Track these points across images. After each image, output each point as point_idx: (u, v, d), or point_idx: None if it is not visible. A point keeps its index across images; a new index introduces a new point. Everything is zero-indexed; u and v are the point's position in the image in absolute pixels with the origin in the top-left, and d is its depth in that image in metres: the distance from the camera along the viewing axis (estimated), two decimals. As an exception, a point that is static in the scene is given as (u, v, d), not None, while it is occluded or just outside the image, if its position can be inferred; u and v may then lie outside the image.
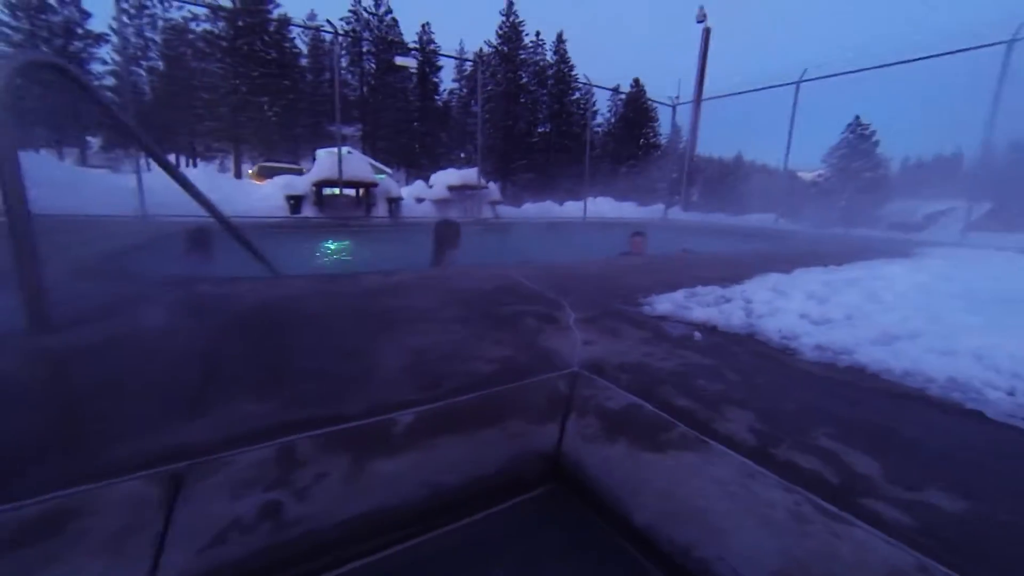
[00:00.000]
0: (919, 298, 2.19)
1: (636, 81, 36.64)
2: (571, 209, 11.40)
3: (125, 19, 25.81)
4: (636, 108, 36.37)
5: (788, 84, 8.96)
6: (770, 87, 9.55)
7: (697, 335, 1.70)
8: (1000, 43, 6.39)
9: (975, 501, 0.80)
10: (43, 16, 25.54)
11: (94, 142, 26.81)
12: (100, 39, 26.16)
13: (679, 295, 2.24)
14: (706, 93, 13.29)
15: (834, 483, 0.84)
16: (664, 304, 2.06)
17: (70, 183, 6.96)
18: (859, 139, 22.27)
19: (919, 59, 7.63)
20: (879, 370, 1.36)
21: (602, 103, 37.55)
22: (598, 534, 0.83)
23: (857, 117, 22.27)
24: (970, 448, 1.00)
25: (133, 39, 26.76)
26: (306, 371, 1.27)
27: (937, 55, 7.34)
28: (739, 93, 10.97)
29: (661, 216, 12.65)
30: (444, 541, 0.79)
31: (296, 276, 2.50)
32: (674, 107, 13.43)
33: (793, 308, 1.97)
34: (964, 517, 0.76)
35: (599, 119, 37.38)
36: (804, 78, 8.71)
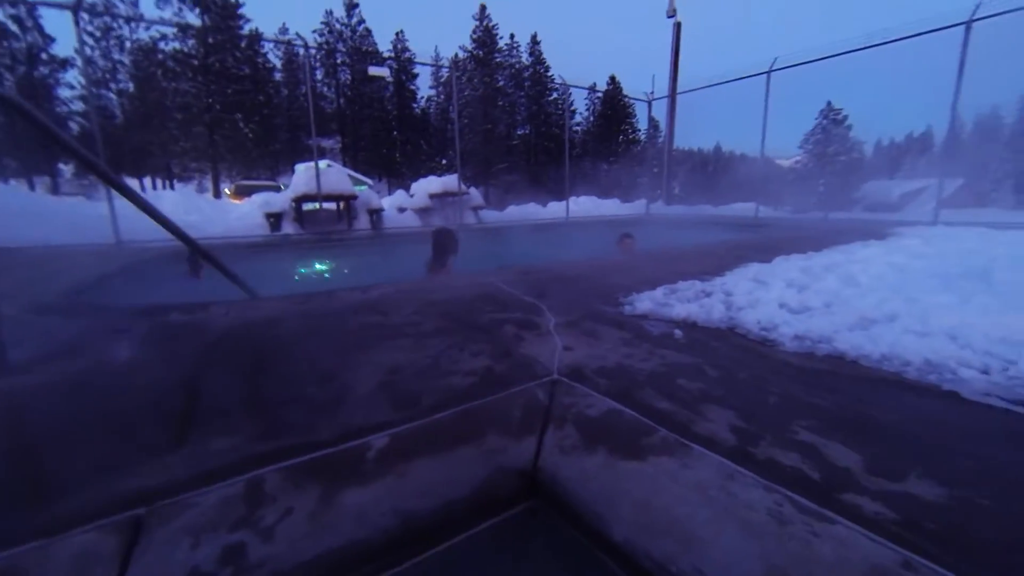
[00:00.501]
0: (895, 279, 2.22)
1: (612, 79, 36.97)
2: (554, 210, 11.41)
3: (91, 42, 25.36)
4: (613, 105, 36.68)
5: (759, 74, 9.08)
6: (742, 78, 9.67)
7: (677, 333, 1.69)
8: (959, 24, 6.55)
9: (954, 487, 0.80)
10: (5, 43, 24.96)
11: (66, 170, 26.21)
12: (65, 64, 25.62)
13: (659, 292, 2.23)
14: (681, 87, 13.43)
15: (814, 479, 0.83)
16: (644, 303, 2.05)
17: (40, 213, 6.78)
18: (832, 124, 22.69)
19: (885, 43, 7.78)
20: (857, 356, 1.36)
21: (580, 102, 37.79)
22: (578, 551, 0.81)
23: (829, 103, 22.70)
24: (947, 432, 1.00)
25: (100, 62, 26.27)
26: (277, 399, 1.23)
27: (902, 38, 7.49)
28: (712, 85, 11.08)
29: (644, 211, 12.73)
30: (418, 571, 0.76)
31: (272, 297, 2.45)
32: (650, 102, 13.53)
33: (772, 298, 1.97)
34: (945, 505, 0.75)
35: (578, 118, 37.60)
36: (774, 67, 8.84)
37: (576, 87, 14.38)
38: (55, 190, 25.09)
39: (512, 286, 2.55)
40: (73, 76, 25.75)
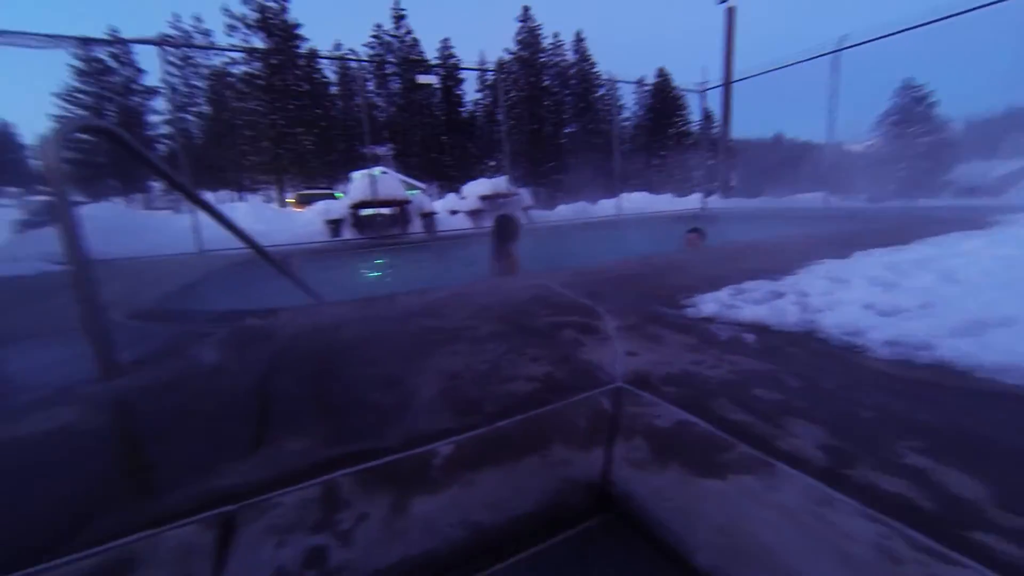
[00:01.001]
0: (1007, 276, 1.95)
1: (661, 71, 35.79)
2: (605, 207, 11.20)
3: (173, 71, 28.00)
4: (663, 98, 35.49)
5: (824, 55, 8.41)
6: (804, 60, 8.99)
7: (748, 337, 1.58)
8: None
9: (1111, 527, 0.67)
10: (105, 78, 28.14)
11: (156, 187, 29.09)
12: (153, 92, 28.48)
13: (724, 293, 2.11)
14: (737, 74, 12.74)
15: (929, 510, 0.73)
16: (709, 304, 1.94)
17: (137, 228, 7.56)
18: (913, 102, 20.58)
19: (971, 10, 6.95)
20: (968, 366, 1.21)
21: (628, 97, 36.90)
22: (655, 571, 0.77)
23: (907, 80, 20.61)
24: (1094, 457, 0.86)
25: (181, 88, 28.93)
26: (343, 403, 1.27)
27: (988, 3, 6.66)
28: (772, 70, 10.40)
29: (699, 206, 12.19)
30: (489, 585, 0.75)
31: (335, 302, 2.56)
32: (702, 93, 12.94)
33: (855, 298, 1.80)
34: (1099, 548, 0.64)
35: (626, 113, 36.73)
36: (842, 46, 8.15)
37: (623, 82, 14.03)
38: (148, 205, 27.91)
39: (567, 288, 2.51)
40: (159, 103, 28.56)
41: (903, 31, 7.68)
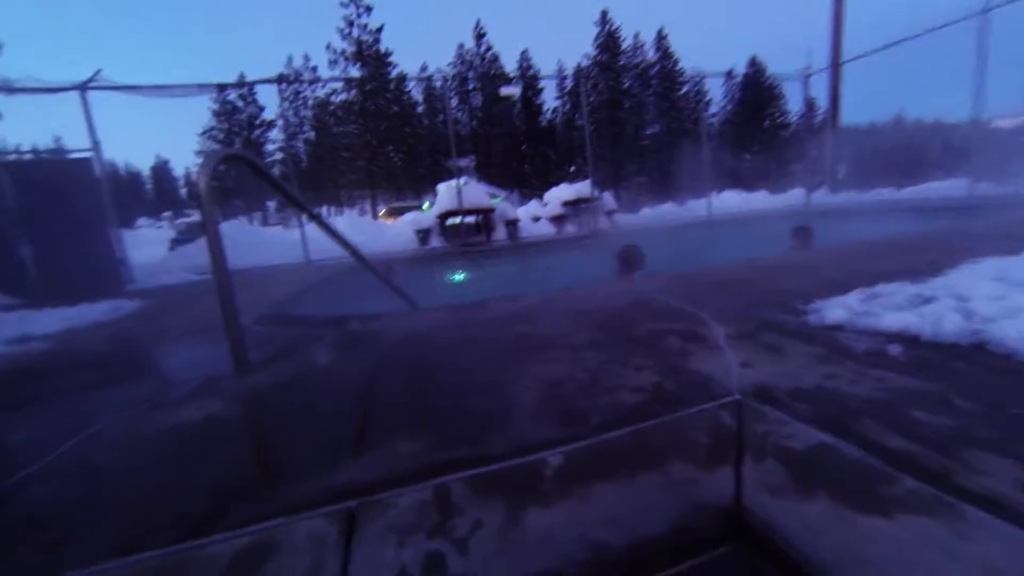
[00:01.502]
0: None
1: (753, 59, 33.25)
2: (694, 208, 10.58)
3: (286, 104, 31.73)
4: (756, 89, 32.89)
5: (967, 19, 7.17)
6: (941, 27, 7.74)
7: (894, 349, 1.35)
8: None
9: None
10: (235, 116, 32.66)
11: (271, 204, 33.06)
12: (271, 125, 32.48)
13: (853, 298, 1.85)
14: (847, 54, 11.38)
15: None
16: (835, 311, 1.71)
17: (256, 242, 8.61)
18: (1088, 65, 16.84)
19: None
20: None
21: (716, 91, 34.72)
22: (808, 620, 0.66)
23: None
24: None
25: (291, 118, 32.61)
26: (445, 407, 1.29)
27: None
28: (895, 44, 9.10)
29: (803, 201, 11.03)
30: (613, 611, 0.70)
31: (430, 308, 2.67)
32: (805, 78, 11.73)
33: (1040, 304, 1.47)
34: None
35: (714, 108, 34.58)
36: (991, 4, 6.89)
37: (710, 76, 13.22)
38: (264, 222, 31.76)
39: (664, 294, 2.37)
40: (275, 134, 32.49)
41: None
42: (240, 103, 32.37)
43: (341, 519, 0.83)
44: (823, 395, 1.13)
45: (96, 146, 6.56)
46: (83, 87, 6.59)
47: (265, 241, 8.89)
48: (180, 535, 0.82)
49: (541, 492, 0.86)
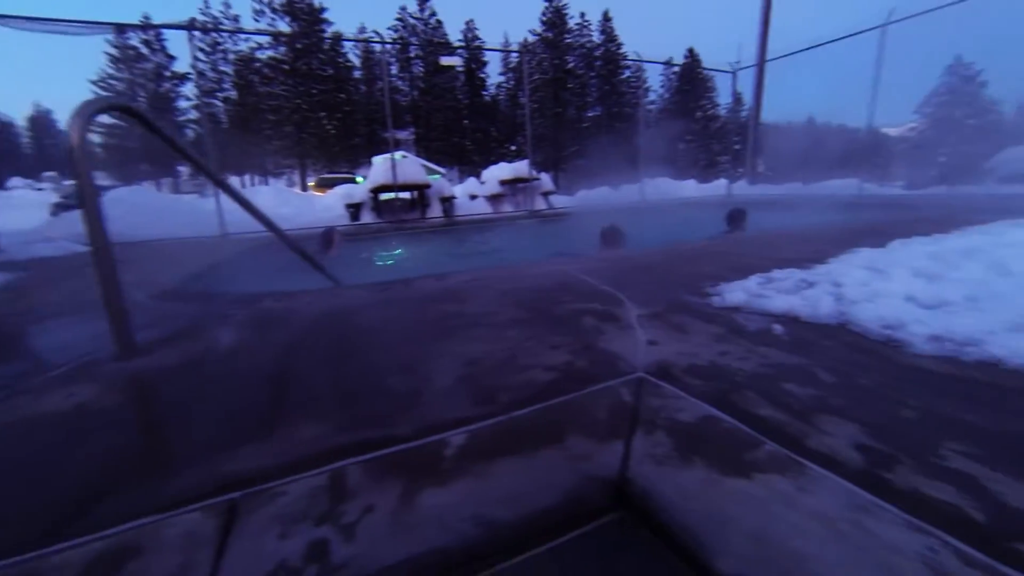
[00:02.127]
0: (1064, 267, 1.80)
1: (690, 51, 34.60)
2: (628, 193, 10.96)
3: (202, 57, 28.42)
4: (691, 80, 34.35)
5: (872, 29, 7.91)
6: (850, 36, 8.47)
7: (777, 328, 1.50)
8: None
9: None
10: (139, 64, 28.76)
11: (183, 171, 29.83)
12: (184, 78, 28.99)
13: (752, 282, 2.02)
14: (772, 53, 12.15)
15: (980, 521, 0.66)
16: (736, 293, 1.85)
17: (164, 210, 7.77)
18: (961, 82, 19.34)
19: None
20: (1022, 364, 1.11)
21: (655, 79, 35.85)
22: (674, 574, 0.72)
23: (958, 57, 19.35)
24: None
25: (209, 73, 29.35)
26: (358, 388, 1.25)
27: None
28: (812, 47, 9.87)
29: (724, 192, 11.81)
30: (499, 582, 0.72)
31: (353, 285, 2.56)
32: (734, 73, 12.41)
33: (895, 289, 1.69)
34: None
35: (652, 95, 35.72)
36: (890, 20, 7.64)
37: (650, 62, 13.58)
38: (176, 189, 28.69)
39: (590, 275, 2.44)
40: (189, 89, 29.09)
41: (956, 2, 7.15)
42: (145, 49, 28.53)
43: (220, 513, 0.78)
44: (715, 371, 1.23)
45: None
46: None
47: (175, 210, 8.04)
48: (27, 541, 0.73)
49: (440, 472, 0.86)
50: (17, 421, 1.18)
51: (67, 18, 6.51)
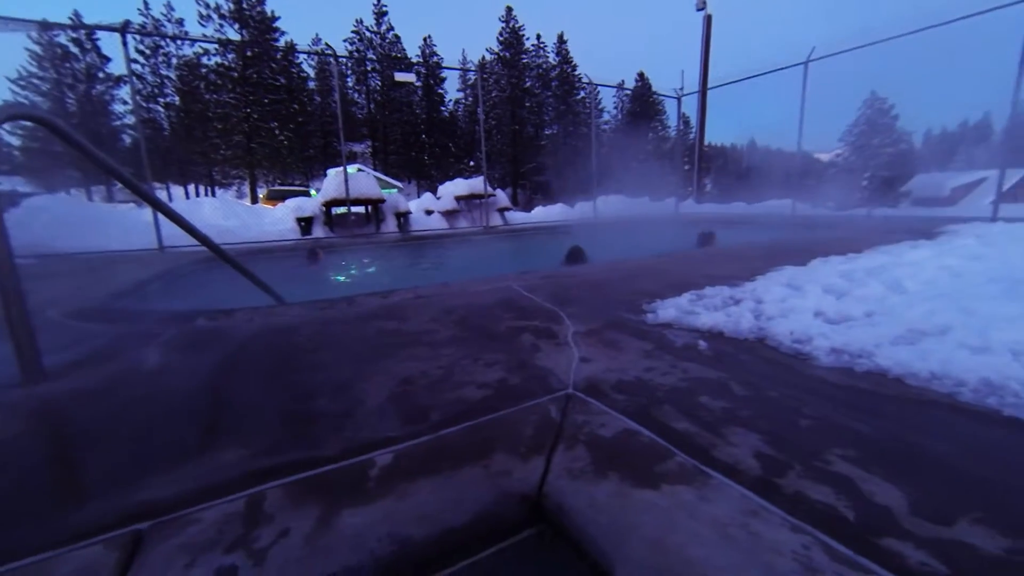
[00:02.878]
0: (948, 285, 2.04)
1: (641, 75, 36.35)
2: (582, 210, 11.27)
3: (141, 59, 26.90)
4: (642, 102, 36.04)
5: (796, 65, 8.67)
6: (777, 70, 9.25)
7: (702, 344, 1.60)
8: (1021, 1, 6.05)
9: (1018, 537, 0.70)
10: (67, 64, 26.82)
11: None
12: (119, 81, 27.26)
13: (685, 299, 2.14)
14: (712, 81, 13.02)
15: (849, 519, 0.74)
16: (668, 310, 1.96)
17: (93, 220, 7.21)
18: (877, 114, 21.45)
19: (933, 26, 7.27)
20: (902, 374, 1.24)
21: (608, 100, 37.31)
22: (585, 586, 0.75)
23: (873, 92, 21.48)
24: (1010, 466, 0.89)
25: (149, 78, 27.79)
26: (288, 410, 1.22)
27: (951, 21, 6.99)
28: (745, 79, 10.68)
29: (673, 210, 12.40)
30: (414, 604, 0.73)
31: (296, 303, 2.49)
32: (679, 98, 13.17)
33: (807, 306, 1.85)
34: (1004, 559, 0.66)
35: (606, 116, 37.11)
36: (812, 57, 8.42)
37: (604, 85, 14.18)
38: (110, 198, 26.71)
39: (532, 292, 2.50)
40: (125, 92, 27.36)
41: (869, 44, 7.97)
42: (75, 49, 26.65)
43: (123, 545, 0.75)
44: (640, 386, 1.29)
45: None
46: None
47: (107, 221, 7.48)
48: None
49: (361, 492, 0.86)
50: None
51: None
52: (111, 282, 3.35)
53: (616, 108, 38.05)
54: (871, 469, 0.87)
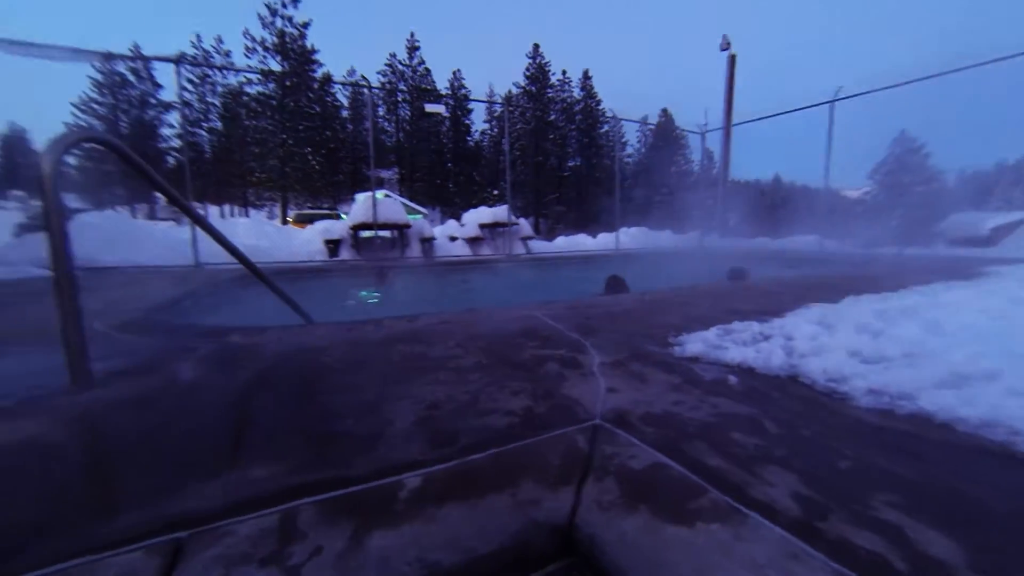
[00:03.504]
0: (992, 328, 1.96)
1: (664, 111, 36.90)
2: (604, 241, 11.31)
3: (189, 87, 28.75)
4: (666, 137, 36.45)
5: (821, 104, 8.70)
6: (802, 108, 9.30)
7: (732, 379, 1.57)
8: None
9: (1085, 598, 0.65)
10: (124, 91, 28.87)
11: (160, 197, 29.38)
12: (169, 107, 29.14)
13: (712, 333, 2.11)
14: (737, 117, 13.12)
15: (901, 570, 0.71)
16: (696, 344, 1.93)
17: (139, 237, 7.60)
18: (907, 153, 21.11)
19: (964, 68, 7.24)
20: (949, 419, 1.19)
21: (631, 134, 37.89)
22: (617, 625, 0.73)
23: (903, 131, 21.22)
24: (1071, 522, 0.84)
25: (196, 104, 29.60)
26: (318, 429, 1.25)
27: (983, 63, 6.95)
28: (770, 116, 10.75)
29: (697, 243, 12.32)
30: (442, 631, 0.72)
31: (324, 323, 2.55)
32: (703, 134, 13.29)
33: (841, 344, 1.80)
34: (1072, 621, 0.62)
35: (629, 149, 37.61)
36: (838, 96, 8.44)
37: (627, 120, 14.44)
38: (152, 216, 28.12)
39: (557, 321, 2.50)
40: (174, 118, 29.18)
41: (896, 86, 7.97)
42: (132, 77, 28.72)
43: (164, 553, 0.77)
44: (669, 419, 1.27)
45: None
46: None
47: (149, 238, 7.87)
48: (-54, 581, 0.70)
49: (391, 514, 0.86)
50: (-52, 456, 1.12)
51: (55, 44, 6.58)
52: (155, 295, 3.50)
53: (640, 142, 38.55)
54: (919, 517, 0.83)
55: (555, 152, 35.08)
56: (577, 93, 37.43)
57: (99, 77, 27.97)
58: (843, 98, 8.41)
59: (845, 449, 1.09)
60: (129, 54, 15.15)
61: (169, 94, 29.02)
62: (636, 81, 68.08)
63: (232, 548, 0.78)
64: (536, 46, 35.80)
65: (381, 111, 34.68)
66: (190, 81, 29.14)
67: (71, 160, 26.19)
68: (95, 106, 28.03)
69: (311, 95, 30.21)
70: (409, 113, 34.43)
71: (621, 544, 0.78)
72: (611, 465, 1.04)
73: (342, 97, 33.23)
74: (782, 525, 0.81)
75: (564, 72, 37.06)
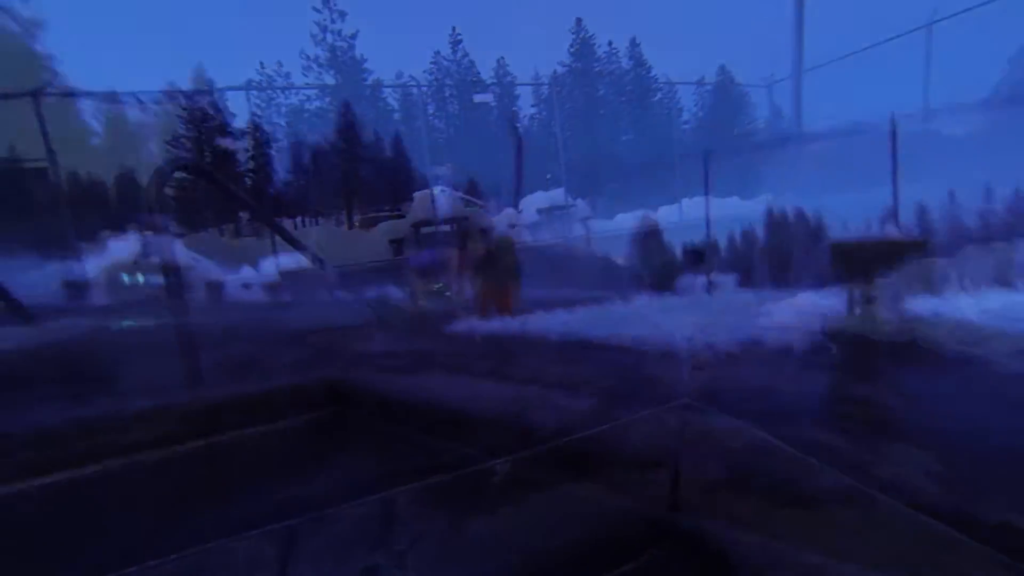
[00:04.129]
0: None
1: (722, 68, 34.20)
2: (666, 214, 10.79)
3: (257, 111, 31.06)
4: (725, 97, 33.86)
5: (915, 31, 7.60)
6: (889, 40, 8.17)
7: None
8: None
9: None
10: (205, 123, 31.87)
11: (243, 216, 32.21)
12: (243, 134, 31.72)
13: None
14: (810, 63, 11.85)
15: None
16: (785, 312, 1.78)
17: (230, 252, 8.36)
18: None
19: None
20: None
21: (687, 98, 35.60)
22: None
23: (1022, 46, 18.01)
24: None
25: (264, 127, 31.91)
26: (408, 422, 1.29)
27: None
28: (854, 53, 9.55)
29: (766, 209, 11.37)
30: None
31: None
32: (770, 87, 12.16)
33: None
34: None
35: (685, 114, 35.44)
36: (935, 19, 7.31)
37: (682, 83, 13.56)
38: (237, 234, 30.89)
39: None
40: (246, 142, 31.72)
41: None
42: (211, 110, 31.56)
43: (280, 537, 0.82)
44: (766, 394, 1.18)
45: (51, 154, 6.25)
46: (35, 93, 6.35)
47: (241, 251, 8.65)
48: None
49: (485, 501, 0.87)
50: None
51: (143, 89, 7.35)
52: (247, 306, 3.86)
53: (697, 106, 36.17)
54: None
55: (607, 128, 33.90)
56: (626, 64, 35.75)
57: (183, 114, 31.00)
58: (942, 19, 7.28)
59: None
60: (206, 89, 16.64)
61: (241, 121, 31.61)
62: (688, 39, 63.94)
63: (341, 533, 0.82)
64: (579, 20, 34.56)
65: (431, 109, 35.34)
66: (257, 106, 31.40)
67: (167, 190, 29.34)
68: (183, 140, 31.17)
69: (364, 102, 31.44)
70: (458, 107, 34.82)
71: (731, 530, 0.73)
72: (706, 446, 0.97)
73: (393, 100, 34.24)
74: (919, 507, 0.71)
75: (610, 43, 35.50)
